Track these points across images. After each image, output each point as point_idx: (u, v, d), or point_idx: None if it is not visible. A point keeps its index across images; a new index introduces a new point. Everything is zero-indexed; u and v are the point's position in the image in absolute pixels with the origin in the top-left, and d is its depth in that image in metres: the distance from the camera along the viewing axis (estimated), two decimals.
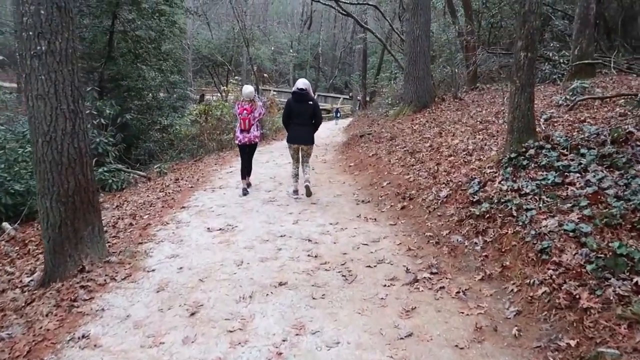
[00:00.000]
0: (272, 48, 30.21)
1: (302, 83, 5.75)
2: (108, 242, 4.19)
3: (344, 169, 7.86)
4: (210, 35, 29.36)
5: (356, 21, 14.60)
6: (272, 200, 5.78)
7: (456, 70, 9.82)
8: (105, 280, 3.38)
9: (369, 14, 19.35)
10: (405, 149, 7.02)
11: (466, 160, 5.18)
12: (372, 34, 16.28)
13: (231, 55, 26.11)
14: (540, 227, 3.10)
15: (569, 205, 3.22)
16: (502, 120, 6.88)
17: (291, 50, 23.28)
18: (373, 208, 5.16)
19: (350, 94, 35.45)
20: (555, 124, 5.17)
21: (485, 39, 12.55)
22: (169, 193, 6.64)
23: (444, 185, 4.72)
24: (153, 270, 3.60)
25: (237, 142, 6.30)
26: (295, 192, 5.98)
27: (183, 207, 5.66)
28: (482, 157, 5.07)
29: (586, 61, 8.01)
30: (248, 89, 6.27)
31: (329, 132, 17.98)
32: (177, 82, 17.07)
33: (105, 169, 8.63)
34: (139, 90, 14.25)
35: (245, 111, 6.10)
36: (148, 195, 6.69)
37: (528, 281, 2.79)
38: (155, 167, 9.48)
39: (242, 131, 6.17)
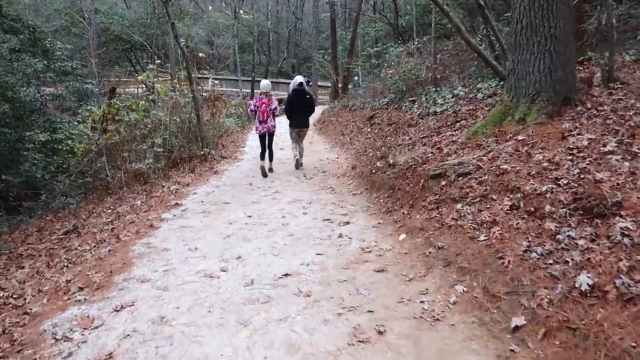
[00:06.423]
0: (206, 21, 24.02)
1: (299, 81, 7.32)
2: None
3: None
4: (126, 8, 22.61)
5: None
6: None
7: (612, 20, 4.86)
8: None
9: None
10: None
11: None
12: None
13: (154, 34, 19.82)
14: None
15: None
16: None
17: (237, 20, 17.54)
18: None
19: (307, 79, 30.41)
20: None
21: None
22: None
23: None
24: None
25: (257, 132, 7.26)
26: (297, 159, 7.61)
27: None
28: None
29: None
30: (265, 82, 7.44)
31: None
32: (65, 70, 11.35)
33: None
34: None
35: (264, 105, 7.02)
36: None
37: None
38: None
39: (260, 122, 7.09)
